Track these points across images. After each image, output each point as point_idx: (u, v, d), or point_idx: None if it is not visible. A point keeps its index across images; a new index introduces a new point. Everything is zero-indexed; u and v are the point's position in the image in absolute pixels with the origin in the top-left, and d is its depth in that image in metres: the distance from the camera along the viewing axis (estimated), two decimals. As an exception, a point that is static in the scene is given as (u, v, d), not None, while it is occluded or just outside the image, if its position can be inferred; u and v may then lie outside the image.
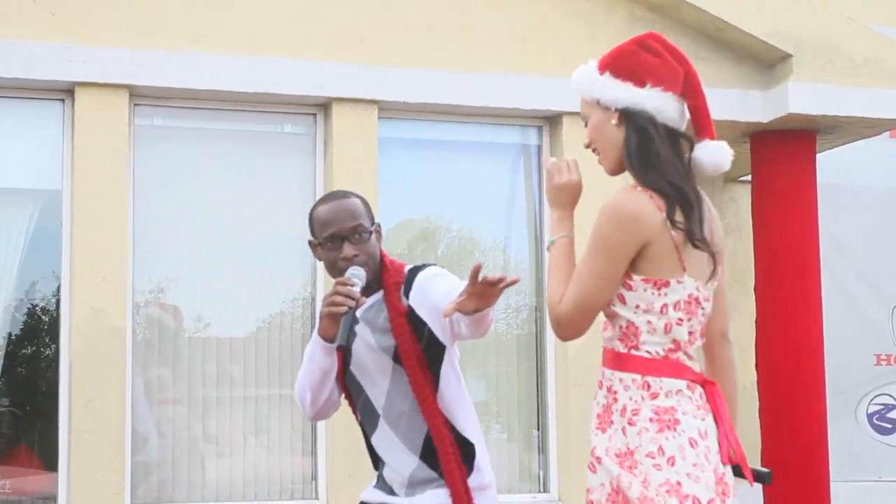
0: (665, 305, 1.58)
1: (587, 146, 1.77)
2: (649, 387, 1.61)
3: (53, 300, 3.84)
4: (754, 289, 4.65)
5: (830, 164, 4.99)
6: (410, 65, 4.01)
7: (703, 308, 1.63)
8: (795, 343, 4.47)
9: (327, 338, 1.86)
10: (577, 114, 1.94)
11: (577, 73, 1.80)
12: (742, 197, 5.17)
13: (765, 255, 4.74)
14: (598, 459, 1.63)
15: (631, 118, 1.66)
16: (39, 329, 3.97)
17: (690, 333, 1.61)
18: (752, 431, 4.21)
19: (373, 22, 4.05)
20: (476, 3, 4.33)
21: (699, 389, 1.63)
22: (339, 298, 1.85)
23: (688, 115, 1.72)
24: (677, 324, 1.59)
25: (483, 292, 1.60)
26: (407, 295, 1.98)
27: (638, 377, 1.61)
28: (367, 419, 2.00)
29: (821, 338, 4.48)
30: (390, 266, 2.07)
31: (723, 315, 1.77)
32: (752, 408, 4.45)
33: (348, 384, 2.00)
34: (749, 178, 5.05)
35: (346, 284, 1.86)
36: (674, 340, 1.61)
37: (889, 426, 5.43)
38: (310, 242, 2.01)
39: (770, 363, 4.41)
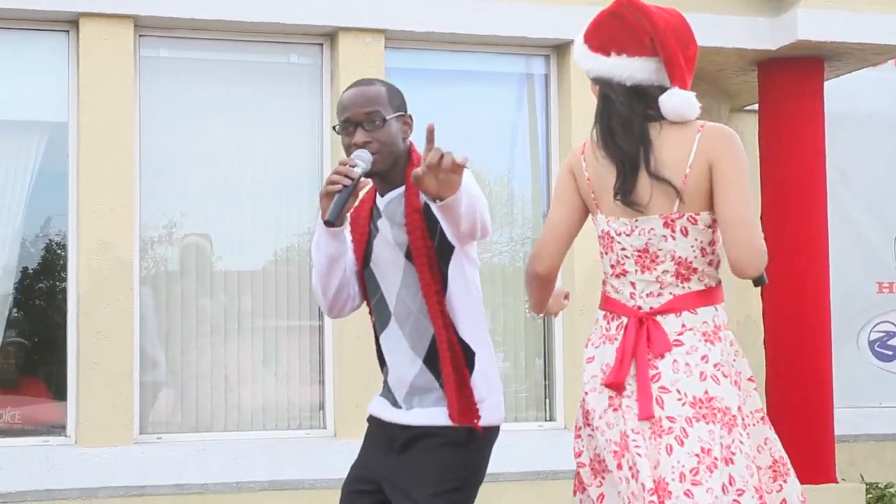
0: (600, 239, 1.84)
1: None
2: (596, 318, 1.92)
3: (61, 233, 3.91)
4: (760, 217, 4.70)
5: (836, 92, 5.06)
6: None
7: (620, 243, 1.78)
8: (801, 272, 4.62)
9: (325, 220, 1.90)
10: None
11: (575, 45, 2.01)
12: (748, 126, 5.29)
13: (771, 183, 4.88)
14: None
15: (600, 86, 1.86)
16: (48, 261, 4.05)
17: (613, 266, 1.79)
18: (757, 360, 4.37)
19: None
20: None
21: (620, 320, 1.79)
22: (334, 177, 1.88)
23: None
24: (600, 256, 1.85)
25: (437, 174, 1.59)
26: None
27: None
28: (380, 318, 2.03)
29: (826, 266, 4.66)
30: (416, 160, 2.03)
31: (730, 243, 1.82)
32: (758, 338, 4.67)
33: (367, 281, 2.03)
34: (755, 107, 5.11)
35: (345, 164, 1.90)
36: (604, 272, 1.84)
37: (890, 353, 5.64)
38: (333, 128, 2.01)
39: (775, 292, 4.51)
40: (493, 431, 2.02)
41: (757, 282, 1.87)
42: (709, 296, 1.80)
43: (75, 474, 3.72)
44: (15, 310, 3.99)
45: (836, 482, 4.63)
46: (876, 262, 5.72)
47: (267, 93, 4.24)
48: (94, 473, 3.72)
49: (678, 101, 1.88)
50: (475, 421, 1.94)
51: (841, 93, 5.27)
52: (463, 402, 1.90)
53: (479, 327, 2.03)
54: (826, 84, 5.01)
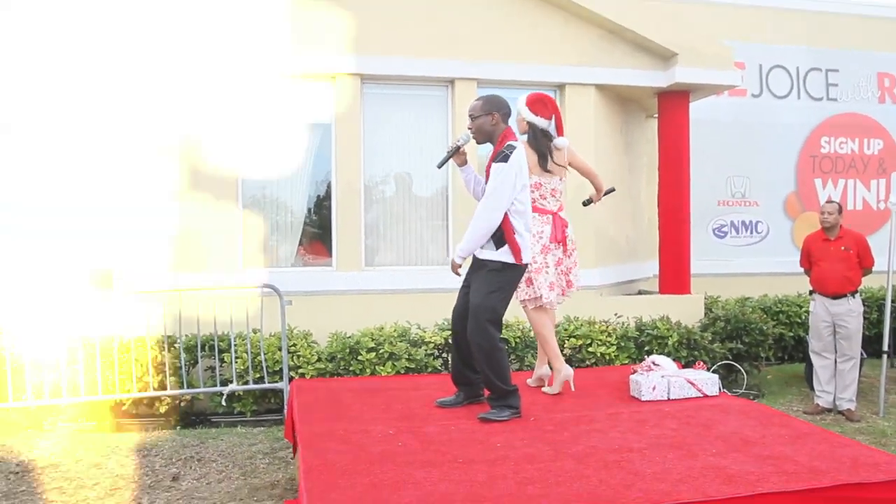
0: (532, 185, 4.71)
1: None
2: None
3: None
4: (658, 181, 8.22)
5: (696, 108, 8.38)
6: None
7: (543, 185, 4.83)
8: (677, 203, 7.91)
9: (437, 165, 4.49)
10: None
11: (519, 104, 4.80)
12: (653, 125, 8.85)
13: (664, 158, 8.02)
14: None
15: (529, 126, 4.77)
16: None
17: (543, 195, 4.84)
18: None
19: None
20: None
21: (546, 216, 4.85)
22: (450, 146, 4.45)
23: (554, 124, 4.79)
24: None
25: None
26: (493, 161, 4.14)
27: None
28: None
29: (688, 195, 8.02)
30: (500, 140, 4.15)
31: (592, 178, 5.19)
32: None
33: None
34: (657, 116, 8.43)
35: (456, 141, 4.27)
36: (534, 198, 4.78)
37: (722, 235, 9.76)
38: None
39: (665, 213, 7.97)
40: (517, 266, 4.21)
41: (585, 203, 5.36)
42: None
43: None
44: None
45: (690, 293, 7.95)
46: (717, 190, 9.85)
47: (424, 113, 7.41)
48: None
49: (562, 141, 4.77)
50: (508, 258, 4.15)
51: (698, 109, 8.75)
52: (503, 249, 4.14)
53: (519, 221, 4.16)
54: (691, 104, 8.10)
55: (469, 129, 4.22)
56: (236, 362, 6.10)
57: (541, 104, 4.72)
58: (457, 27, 7.24)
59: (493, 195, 4.03)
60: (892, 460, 3.53)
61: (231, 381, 6.04)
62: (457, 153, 4.23)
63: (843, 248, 6.61)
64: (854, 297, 6.62)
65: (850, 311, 6.55)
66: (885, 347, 6.99)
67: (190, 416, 6.33)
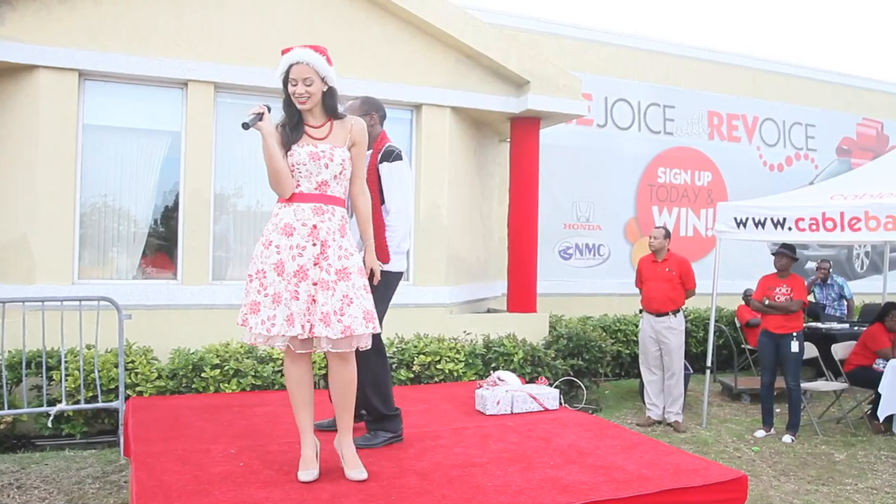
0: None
1: (305, 93, 3.36)
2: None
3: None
4: (508, 200, 8.51)
5: (546, 134, 8.77)
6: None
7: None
8: (525, 225, 8.12)
9: None
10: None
11: (311, 56, 3.33)
12: (506, 148, 9.09)
13: (514, 180, 8.21)
14: None
15: (331, 89, 3.41)
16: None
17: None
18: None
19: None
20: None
21: None
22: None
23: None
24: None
25: None
26: (386, 161, 4.05)
27: None
28: None
29: (536, 217, 8.23)
30: (378, 141, 4.13)
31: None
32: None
33: None
34: (509, 140, 8.64)
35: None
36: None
37: (567, 256, 10.22)
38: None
39: (514, 234, 8.22)
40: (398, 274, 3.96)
41: (244, 126, 3.28)
42: None
43: None
44: None
45: (536, 312, 8.11)
46: (564, 215, 10.33)
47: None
48: None
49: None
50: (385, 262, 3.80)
51: (549, 135, 9.21)
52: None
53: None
54: (542, 131, 8.35)
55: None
56: (66, 380, 5.70)
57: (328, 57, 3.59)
58: (319, 41, 7.16)
59: (404, 193, 3.91)
60: (709, 466, 3.83)
61: (60, 401, 5.62)
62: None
63: (667, 269, 7.13)
64: (676, 316, 7.14)
65: (671, 329, 7.07)
66: (709, 363, 7.56)
67: (10, 440, 5.84)
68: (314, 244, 3.29)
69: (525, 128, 8.35)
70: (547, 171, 9.19)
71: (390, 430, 4.04)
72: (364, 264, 3.47)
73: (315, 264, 3.29)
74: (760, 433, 6.91)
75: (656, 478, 3.60)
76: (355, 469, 3.43)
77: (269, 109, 3.44)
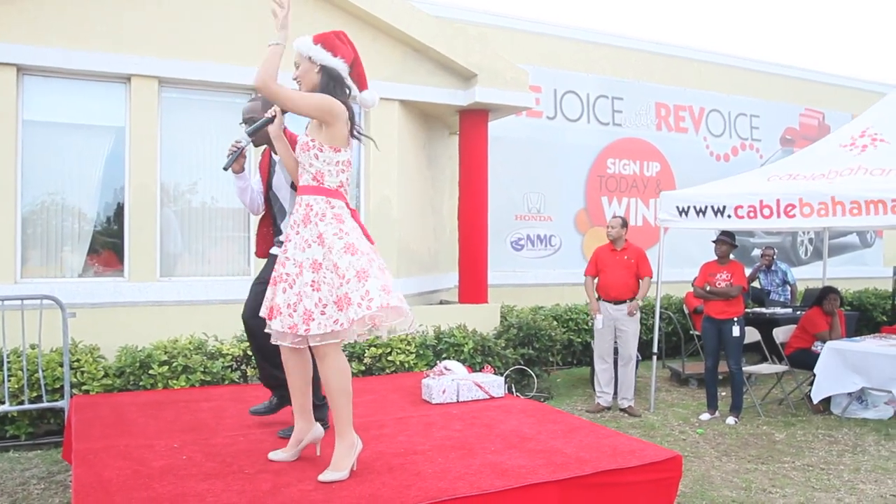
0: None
1: (295, 78, 3.30)
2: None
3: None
4: (458, 192, 8.52)
5: (494, 126, 8.79)
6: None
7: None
8: (475, 216, 8.20)
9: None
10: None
11: (299, 40, 3.27)
12: (455, 141, 9.12)
13: (464, 173, 8.29)
14: None
15: (325, 70, 3.22)
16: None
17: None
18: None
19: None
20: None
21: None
22: (231, 148, 3.72)
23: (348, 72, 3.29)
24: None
25: None
26: None
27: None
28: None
29: (486, 208, 8.28)
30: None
31: None
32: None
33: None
34: (458, 133, 8.69)
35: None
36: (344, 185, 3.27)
37: (519, 247, 10.33)
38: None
39: (464, 226, 8.30)
40: None
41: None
42: None
43: None
44: None
45: (487, 303, 8.18)
46: (515, 206, 10.42)
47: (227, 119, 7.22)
48: None
49: (370, 95, 3.53)
50: None
51: (498, 127, 9.26)
52: None
53: None
54: (490, 123, 8.41)
55: (247, 131, 3.71)
56: (9, 381, 5.62)
57: (336, 40, 3.39)
58: (261, 35, 7.16)
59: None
60: (646, 447, 3.95)
61: (3, 402, 5.55)
62: (239, 157, 3.77)
63: (626, 257, 7.27)
64: (632, 303, 7.28)
65: (629, 317, 7.20)
66: (655, 350, 7.74)
67: (-48, 442, 5.75)
68: (287, 238, 3.35)
69: (473, 120, 8.40)
70: (497, 162, 9.28)
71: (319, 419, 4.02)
72: None
73: (285, 254, 3.33)
74: (705, 416, 7.10)
75: (594, 460, 3.71)
76: (328, 469, 3.36)
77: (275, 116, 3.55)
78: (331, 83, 3.24)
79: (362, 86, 3.39)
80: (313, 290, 3.17)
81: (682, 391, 8.46)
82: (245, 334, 4.29)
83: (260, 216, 4.16)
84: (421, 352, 6.96)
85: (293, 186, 3.61)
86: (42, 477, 5.03)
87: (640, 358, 7.92)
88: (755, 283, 10.62)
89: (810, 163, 7.24)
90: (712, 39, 39.00)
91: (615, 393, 7.44)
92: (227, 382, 6.10)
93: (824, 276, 9.93)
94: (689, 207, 7.19)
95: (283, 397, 4.15)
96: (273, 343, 3.39)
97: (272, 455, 3.63)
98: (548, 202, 11.04)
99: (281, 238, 3.78)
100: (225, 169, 3.68)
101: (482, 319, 7.85)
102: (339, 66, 3.25)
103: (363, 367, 6.65)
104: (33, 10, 6.42)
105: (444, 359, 6.84)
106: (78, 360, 5.91)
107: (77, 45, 6.54)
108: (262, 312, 3.40)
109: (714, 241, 7.27)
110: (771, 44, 38.98)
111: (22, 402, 5.61)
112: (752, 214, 6.69)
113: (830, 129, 13.94)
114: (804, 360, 7.55)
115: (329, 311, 3.14)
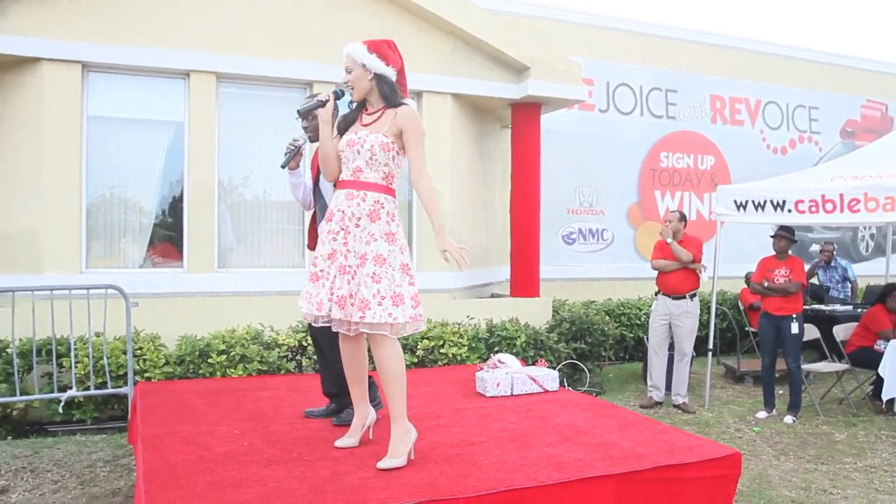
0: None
1: (346, 82, 3.46)
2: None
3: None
4: (511, 186, 8.47)
5: (547, 119, 8.65)
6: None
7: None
8: (528, 210, 8.17)
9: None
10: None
11: (353, 46, 3.42)
12: (507, 135, 9.09)
13: (516, 166, 8.26)
14: None
15: (379, 77, 3.44)
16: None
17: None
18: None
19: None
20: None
21: None
22: (288, 146, 3.99)
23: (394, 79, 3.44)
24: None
25: None
26: None
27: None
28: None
29: (538, 206, 8.26)
30: None
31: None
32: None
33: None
34: (510, 126, 8.64)
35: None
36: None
37: (571, 241, 10.26)
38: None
39: (516, 220, 8.25)
40: None
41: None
42: None
43: None
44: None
45: (539, 297, 8.23)
46: (567, 199, 10.36)
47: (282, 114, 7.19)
48: None
49: (412, 103, 3.51)
50: None
51: (551, 120, 9.19)
52: None
53: None
54: (543, 116, 8.36)
55: (305, 128, 4.07)
56: (76, 367, 5.81)
57: (388, 49, 3.55)
58: (315, 30, 7.26)
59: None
60: (703, 443, 3.90)
61: (70, 388, 5.74)
62: (296, 155, 4.02)
63: (685, 251, 7.17)
64: (692, 300, 7.19)
65: (687, 313, 7.12)
66: (710, 346, 7.61)
67: (23, 426, 5.96)
68: (342, 229, 3.42)
69: (526, 114, 8.35)
70: (549, 156, 9.20)
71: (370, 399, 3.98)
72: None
73: (345, 246, 3.42)
74: (762, 414, 6.97)
75: (651, 455, 3.67)
76: (386, 457, 3.41)
77: (341, 94, 3.65)
78: (386, 89, 3.47)
79: (404, 94, 3.56)
80: (373, 281, 3.31)
81: (738, 388, 8.32)
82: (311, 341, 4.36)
83: (311, 211, 4.21)
84: (473, 345, 6.98)
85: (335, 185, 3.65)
86: (108, 460, 5.20)
87: (694, 354, 7.81)
88: (814, 280, 10.36)
89: (877, 156, 7.02)
90: (768, 29, 38.07)
91: (668, 388, 7.34)
92: (282, 372, 6.20)
93: (887, 273, 9.62)
94: (747, 202, 7.05)
95: (341, 404, 4.20)
96: (333, 330, 3.45)
97: (338, 443, 3.72)
98: (600, 196, 10.94)
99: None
100: (283, 167, 3.87)
101: (534, 313, 7.82)
102: (390, 74, 3.47)
103: (416, 360, 6.70)
104: (97, 10, 6.60)
105: (497, 352, 6.84)
106: (140, 348, 6.08)
107: (138, 42, 6.70)
108: (318, 307, 3.43)
109: (772, 236, 7.12)
110: (830, 33, 37.88)
111: (88, 388, 5.79)
112: (813, 209, 6.53)
113: (894, 121, 13.50)
114: (866, 359, 7.35)
115: (385, 304, 3.30)
